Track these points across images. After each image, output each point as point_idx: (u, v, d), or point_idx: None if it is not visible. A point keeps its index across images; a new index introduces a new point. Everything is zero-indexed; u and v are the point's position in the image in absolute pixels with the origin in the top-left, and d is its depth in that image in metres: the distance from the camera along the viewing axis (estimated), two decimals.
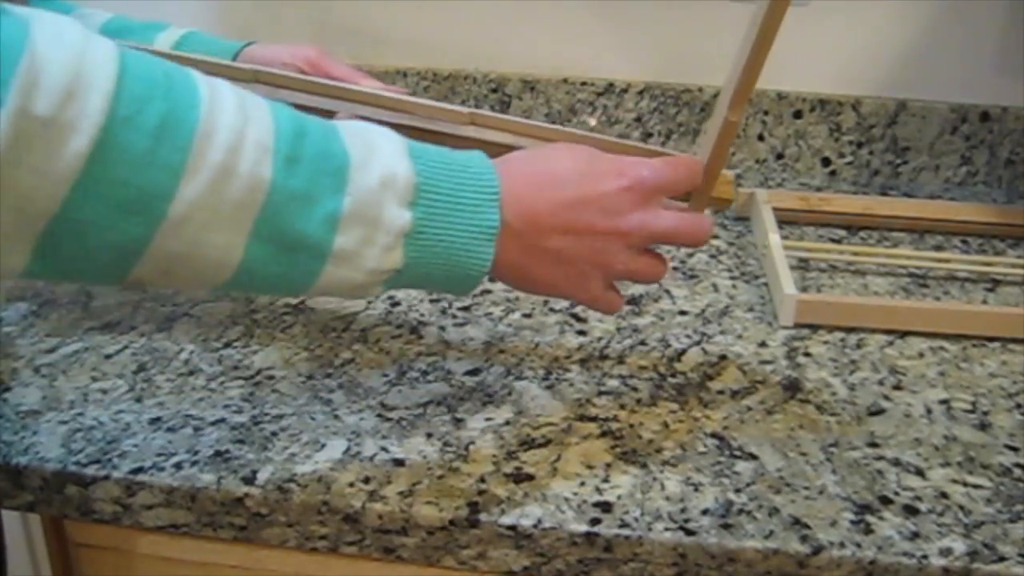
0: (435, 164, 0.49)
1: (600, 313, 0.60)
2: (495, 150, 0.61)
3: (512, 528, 0.56)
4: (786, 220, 0.89)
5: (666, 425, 0.64)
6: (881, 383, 0.69)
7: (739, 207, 0.91)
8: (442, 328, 0.73)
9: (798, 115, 1.00)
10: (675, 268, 0.83)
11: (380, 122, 0.59)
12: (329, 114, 0.61)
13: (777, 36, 0.57)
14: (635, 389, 0.67)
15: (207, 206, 0.42)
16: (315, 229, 0.45)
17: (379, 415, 0.64)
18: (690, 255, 0.85)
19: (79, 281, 0.47)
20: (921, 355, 0.72)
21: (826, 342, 0.73)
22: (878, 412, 0.66)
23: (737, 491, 0.59)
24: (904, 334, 0.75)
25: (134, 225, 0.41)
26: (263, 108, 0.45)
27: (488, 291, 0.78)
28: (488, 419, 0.64)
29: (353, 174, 0.46)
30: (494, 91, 1.02)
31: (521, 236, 0.52)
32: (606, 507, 0.57)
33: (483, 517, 0.56)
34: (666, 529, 0.56)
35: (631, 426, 0.64)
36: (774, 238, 0.82)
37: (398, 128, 0.60)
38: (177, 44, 0.65)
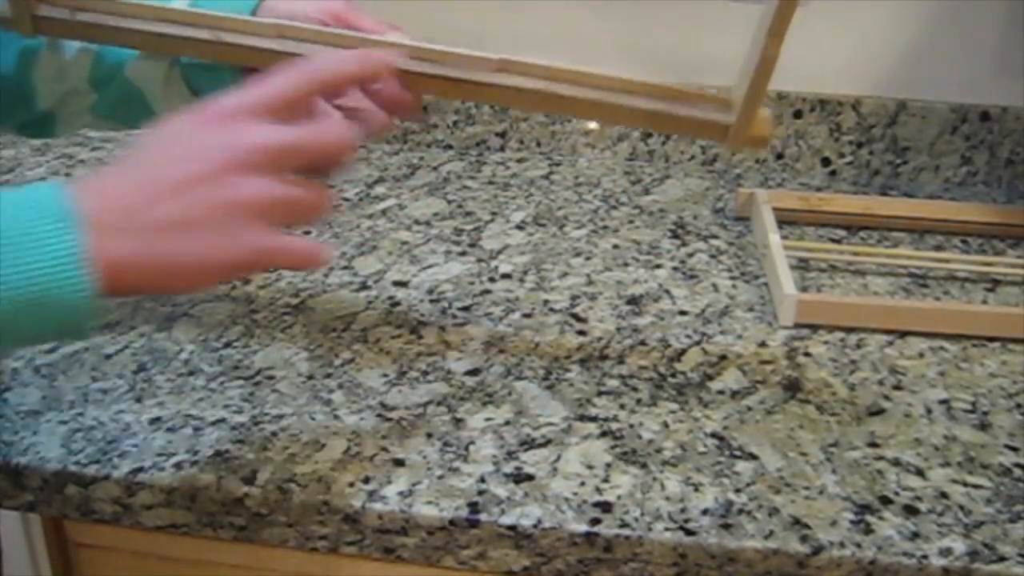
0: None
1: (296, 270, 0.52)
2: (529, 98, 0.60)
3: (512, 528, 0.56)
4: (786, 220, 0.89)
5: (666, 425, 0.64)
6: (881, 383, 0.69)
7: (739, 207, 0.91)
8: (442, 328, 0.73)
9: (798, 115, 1.00)
10: (675, 269, 0.83)
11: (411, 72, 0.58)
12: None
13: None
14: (635, 389, 0.67)
15: None
16: None
17: (379, 415, 0.64)
18: (690, 255, 0.85)
19: None
20: (921, 355, 0.72)
21: (826, 342, 0.73)
22: (878, 412, 0.66)
23: (737, 491, 0.59)
24: (904, 334, 0.75)
25: None
26: None
27: (488, 291, 0.78)
28: (488, 419, 0.64)
29: None
30: None
31: (127, 229, 0.45)
32: (606, 507, 0.57)
33: (483, 517, 0.56)
34: (666, 529, 0.56)
35: (631, 426, 0.64)
36: (774, 238, 0.82)
37: (429, 78, 0.58)
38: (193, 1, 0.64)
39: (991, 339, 0.74)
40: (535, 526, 0.56)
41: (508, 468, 0.60)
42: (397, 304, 0.76)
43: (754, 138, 0.60)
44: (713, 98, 0.61)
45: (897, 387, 0.69)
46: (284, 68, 0.50)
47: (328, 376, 0.68)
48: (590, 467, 0.60)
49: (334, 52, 0.56)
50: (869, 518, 0.57)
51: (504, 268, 0.82)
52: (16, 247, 0.42)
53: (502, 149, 1.05)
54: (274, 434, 0.62)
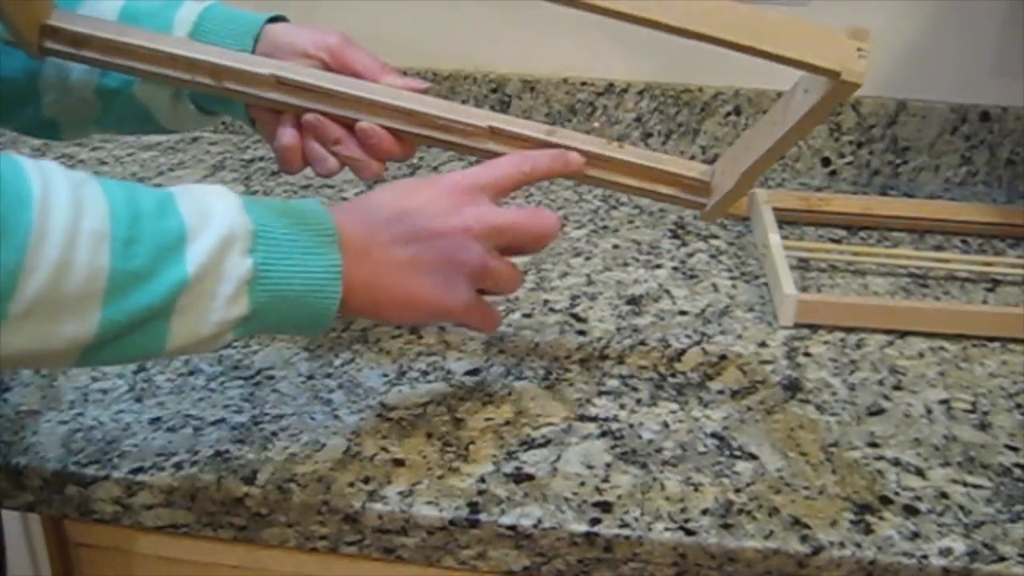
0: (271, 213, 0.51)
1: (478, 331, 0.61)
2: None
3: (512, 528, 0.56)
4: (786, 220, 0.89)
5: (666, 425, 0.64)
6: (881, 383, 0.69)
7: (739, 207, 0.91)
8: (442, 328, 0.73)
9: None
10: (675, 269, 0.83)
11: (396, 130, 0.62)
12: (350, 122, 0.62)
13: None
14: (635, 389, 0.67)
15: (48, 301, 0.43)
16: (159, 300, 0.47)
17: (379, 415, 0.64)
18: (690, 255, 0.85)
19: None
20: (921, 355, 0.72)
21: (826, 342, 0.73)
22: (878, 412, 0.66)
23: (737, 491, 0.59)
24: (904, 334, 0.75)
25: None
26: (97, 193, 0.47)
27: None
28: (488, 419, 0.64)
29: (191, 243, 0.47)
30: (494, 91, 1.02)
31: (365, 258, 0.54)
32: (606, 507, 0.57)
33: (483, 517, 0.56)
34: (666, 529, 0.56)
35: (631, 426, 0.64)
36: (774, 238, 0.82)
37: (415, 136, 0.63)
38: (197, 21, 0.64)
39: (991, 339, 0.74)
40: (535, 526, 0.56)
41: (508, 468, 0.60)
42: None
43: (728, 214, 0.69)
44: (695, 184, 0.64)
45: (897, 387, 0.69)
46: (508, 158, 0.60)
47: (328, 376, 0.68)
48: (590, 467, 0.60)
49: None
50: (869, 518, 0.57)
51: None
52: (290, 251, 0.50)
53: None
54: (274, 434, 0.62)
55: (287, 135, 0.63)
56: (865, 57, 0.57)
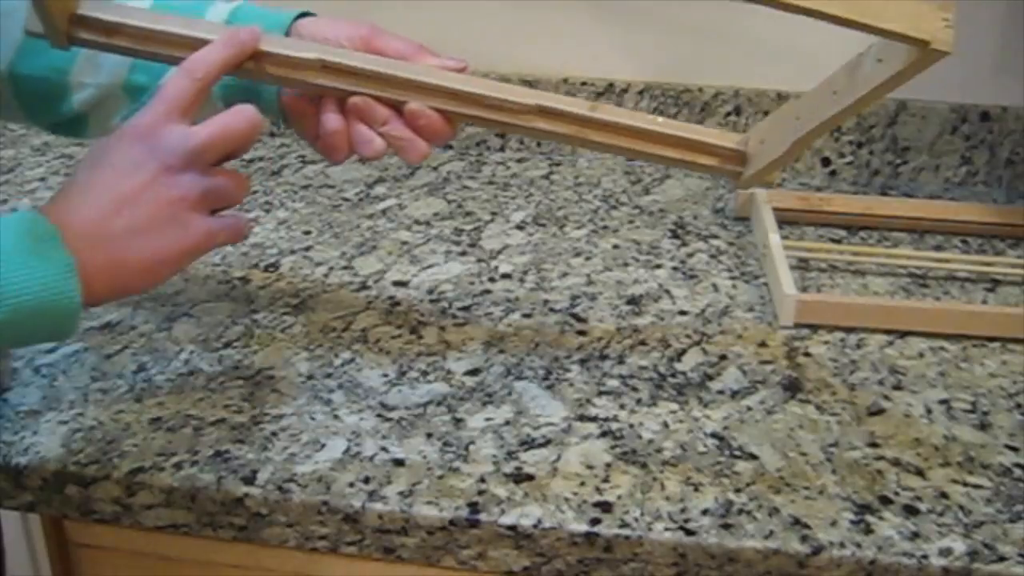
0: None
1: (235, 239, 0.59)
2: (562, 140, 0.64)
3: (512, 528, 0.56)
4: (786, 220, 0.89)
5: (666, 425, 0.64)
6: (881, 383, 0.69)
7: (739, 207, 0.91)
8: (442, 328, 0.73)
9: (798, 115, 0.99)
10: (675, 269, 0.83)
11: (444, 111, 0.62)
12: (397, 104, 0.61)
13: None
14: (635, 389, 0.67)
15: None
16: None
17: (379, 415, 0.64)
18: (690, 255, 0.85)
19: None
20: (921, 355, 0.72)
21: (826, 342, 0.73)
22: (878, 412, 0.66)
23: (737, 491, 0.59)
24: (904, 334, 0.75)
25: None
26: None
27: (488, 291, 0.78)
28: (488, 419, 0.64)
29: None
30: None
31: (92, 243, 0.52)
32: (606, 507, 0.57)
33: (483, 517, 0.56)
34: (666, 529, 0.56)
35: (631, 426, 0.64)
36: (774, 238, 0.82)
37: (469, 116, 0.63)
38: (228, 19, 0.63)
39: (991, 339, 0.74)
40: (535, 526, 0.56)
41: (508, 468, 0.60)
42: (397, 304, 0.76)
43: (765, 181, 0.67)
44: (731, 153, 0.66)
45: (897, 387, 0.69)
46: (174, 74, 0.58)
47: (328, 376, 0.68)
48: (590, 467, 0.60)
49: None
50: (869, 518, 0.57)
51: (504, 268, 0.82)
52: (15, 264, 0.49)
53: (502, 149, 1.05)
54: (274, 434, 0.62)
55: (332, 120, 0.62)
56: (952, 27, 0.59)
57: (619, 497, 0.58)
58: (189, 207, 0.55)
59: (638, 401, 0.66)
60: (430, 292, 0.78)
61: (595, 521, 0.56)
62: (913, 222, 0.90)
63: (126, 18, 0.61)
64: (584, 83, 1.01)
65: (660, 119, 0.65)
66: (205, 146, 0.55)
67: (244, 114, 0.57)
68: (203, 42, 0.60)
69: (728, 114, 1.00)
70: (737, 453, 0.62)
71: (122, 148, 0.55)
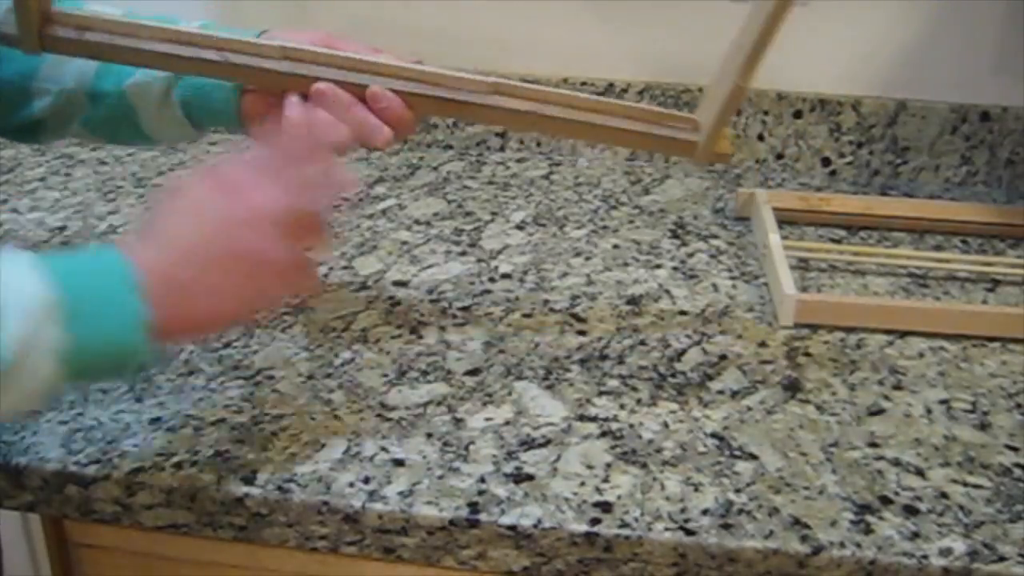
0: (69, 274, 0.50)
1: (300, 292, 0.61)
2: (521, 119, 0.65)
3: (512, 528, 0.56)
4: (786, 220, 0.89)
5: (666, 425, 0.64)
6: (881, 383, 0.69)
7: (739, 207, 0.91)
8: (442, 328, 0.73)
9: (798, 115, 0.99)
10: (675, 269, 0.83)
11: (406, 93, 0.62)
12: (360, 88, 0.62)
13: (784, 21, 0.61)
14: (635, 389, 0.67)
15: None
16: None
17: (379, 415, 0.64)
18: (690, 255, 0.85)
19: None
20: (921, 355, 0.72)
21: (826, 342, 0.73)
22: (878, 412, 0.66)
23: (737, 491, 0.59)
24: (904, 334, 0.75)
25: None
26: None
27: (488, 291, 0.78)
28: (488, 419, 0.64)
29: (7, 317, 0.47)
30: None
31: (172, 290, 0.52)
32: (606, 507, 0.57)
33: (483, 517, 0.56)
34: (666, 529, 0.56)
35: (631, 426, 0.64)
36: (774, 238, 0.82)
37: (429, 99, 0.63)
38: None
39: (991, 339, 0.74)
40: (535, 526, 0.56)
41: (508, 468, 0.60)
42: (397, 304, 0.76)
43: (719, 155, 0.68)
44: (684, 119, 0.67)
45: (897, 387, 0.69)
46: (277, 135, 0.60)
47: (328, 376, 0.68)
48: (590, 467, 0.60)
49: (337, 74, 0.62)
50: (869, 518, 0.57)
51: (504, 268, 0.82)
52: (94, 312, 0.49)
53: (502, 149, 1.05)
54: (274, 434, 0.62)
55: (295, 108, 0.62)
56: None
57: (619, 497, 0.58)
58: (265, 274, 0.55)
59: (638, 401, 0.66)
60: (430, 292, 0.78)
61: (595, 521, 0.56)
62: (913, 222, 0.90)
63: (100, 16, 0.61)
64: (584, 83, 1.01)
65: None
66: (289, 213, 0.55)
67: (338, 182, 0.58)
68: (185, 34, 0.62)
69: None
70: (737, 453, 0.62)
71: (209, 197, 0.55)
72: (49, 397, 0.50)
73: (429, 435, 0.62)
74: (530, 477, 0.59)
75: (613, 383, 0.68)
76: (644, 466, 0.60)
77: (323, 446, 0.61)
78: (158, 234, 0.54)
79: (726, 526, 0.56)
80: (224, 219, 0.54)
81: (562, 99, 0.65)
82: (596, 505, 0.57)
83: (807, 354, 0.72)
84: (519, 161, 1.02)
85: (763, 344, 0.73)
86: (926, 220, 0.90)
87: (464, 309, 0.76)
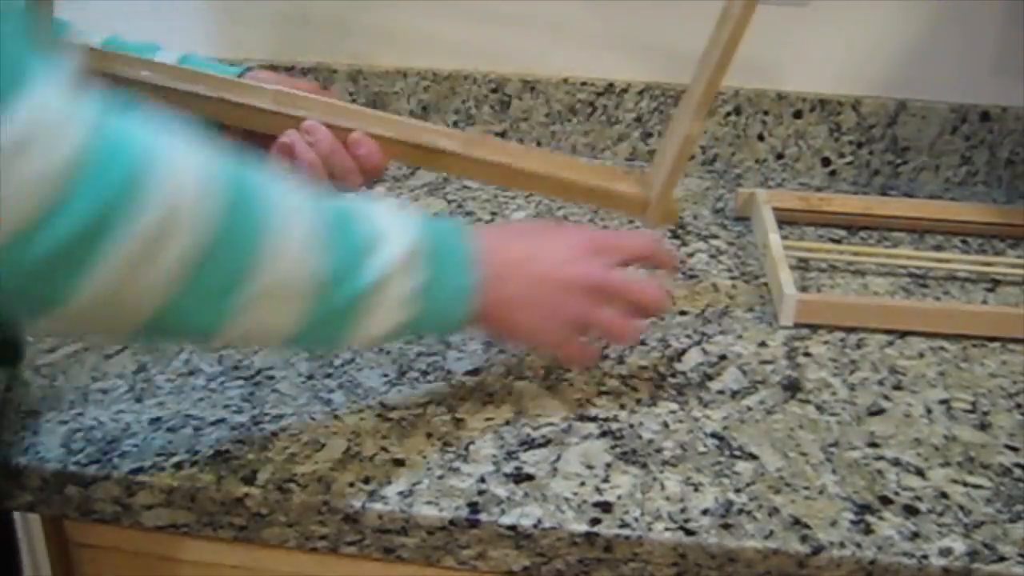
0: (438, 232, 0.57)
1: (574, 366, 0.67)
2: (487, 171, 0.70)
3: (512, 528, 0.56)
4: (786, 220, 0.89)
5: (666, 425, 0.64)
6: (881, 383, 0.69)
7: (739, 207, 0.91)
8: None
9: (798, 115, 1.00)
10: (675, 268, 0.83)
11: (384, 138, 0.67)
12: (345, 131, 0.66)
13: (744, 39, 0.63)
14: (635, 389, 0.67)
15: (277, 285, 0.49)
16: (348, 302, 0.52)
17: (379, 415, 0.64)
18: (690, 255, 0.85)
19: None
20: (921, 355, 0.72)
21: (826, 342, 0.73)
22: (878, 412, 0.66)
23: (737, 491, 0.59)
24: (904, 334, 0.75)
25: (218, 308, 0.48)
26: (306, 203, 0.52)
27: None
28: (488, 419, 0.64)
29: (380, 248, 0.53)
30: (494, 91, 1.02)
31: (495, 280, 0.58)
32: (606, 507, 0.57)
33: (483, 517, 0.56)
34: (666, 529, 0.56)
35: (631, 426, 0.64)
36: (774, 238, 0.82)
37: (399, 146, 0.68)
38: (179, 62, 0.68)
39: (991, 339, 0.74)
40: (535, 526, 0.56)
41: (508, 468, 0.60)
42: None
43: (668, 212, 0.72)
44: (636, 176, 0.73)
45: (897, 387, 0.69)
46: (631, 233, 0.68)
47: (328, 376, 0.68)
48: (590, 467, 0.60)
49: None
50: (869, 518, 0.57)
51: None
52: (442, 268, 0.56)
53: None
54: (274, 434, 0.62)
55: (287, 135, 0.67)
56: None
57: (619, 497, 0.58)
58: (568, 320, 0.61)
59: (638, 401, 0.66)
60: None
61: (595, 521, 0.56)
62: (913, 222, 0.90)
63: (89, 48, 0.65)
64: (584, 83, 1.01)
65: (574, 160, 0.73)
66: (616, 289, 0.62)
67: (653, 292, 0.63)
68: (167, 67, 0.66)
69: (728, 114, 1.00)
70: (737, 453, 0.62)
71: (574, 241, 0.62)
72: (370, 341, 0.55)
73: (429, 435, 0.62)
74: (530, 477, 0.59)
75: (613, 383, 0.68)
76: (644, 466, 0.60)
77: (323, 446, 0.61)
78: (512, 231, 0.63)
79: (726, 526, 0.56)
80: (558, 259, 0.61)
81: (521, 154, 0.71)
82: (596, 505, 0.57)
83: (807, 354, 0.72)
84: None
85: (763, 344, 0.73)
86: (926, 220, 0.90)
87: None
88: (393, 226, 0.54)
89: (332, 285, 0.51)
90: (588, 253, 0.62)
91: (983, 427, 0.65)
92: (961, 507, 0.58)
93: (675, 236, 0.88)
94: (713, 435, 0.63)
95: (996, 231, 0.90)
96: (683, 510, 0.57)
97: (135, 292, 0.45)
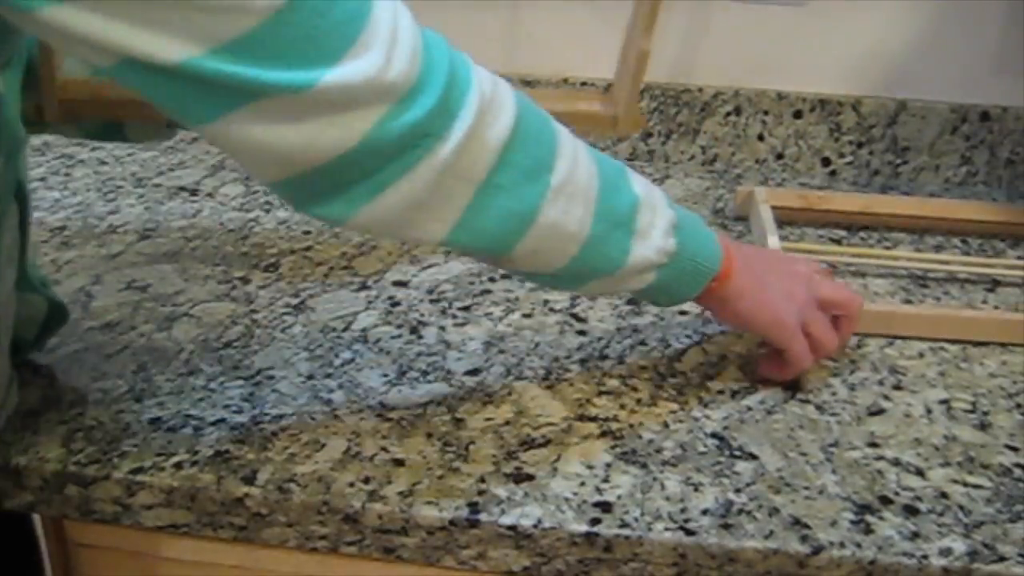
0: (682, 210, 0.62)
1: (792, 361, 0.66)
2: None
3: (512, 528, 0.56)
4: (785, 219, 0.89)
5: (666, 425, 0.64)
6: (881, 383, 0.69)
7: (737, 207, 0.91)
8: (442, 328, 0.73)
9: (798, 115, 0.99)
10: None
11: None
12: None
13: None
14: (635, 389, 0.67)
15: (571, 181, 0.55)
16: (626, 210, 0.57)
17: (379, 415, 0.64)
18: None
19: (475, 254, 0.59)
20: (921, 355, 0.72)
21: None
22: (878, 412, 0.66)
23: (737, 491, 0.59)
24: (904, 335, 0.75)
25: (531, 192, 0.53)
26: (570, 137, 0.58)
27: (488, 291, 0.78)
28: (488, 419, 0.64)
29: (634, 173, 0.60)
30: None
31: (746, 269, 0.64)
32: (606, 507, 0.57)
33: (483, 517, 0.56)
34: (666, 529, 0.56)
35: (631, 426, 0.64)
36: (772, 240, 0.81)
37: None
38: None
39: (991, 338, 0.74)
40: (535, 526, 0.56)
41: (508, 468, 0.60)
42: (397, 304, 0.76)
43: (635, 122, 0.77)
44: (599, 94, 0.80)
45: (897, 387, 0.69)
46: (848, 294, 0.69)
47: (328, 376, 0.68)
48: (590, 467, 0.60)
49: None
50: (869, 518, 0.57)
51: None
52: (700, 241, 0.62)
53: None
54: (274, 434, 0.62)
55: None
56: None
57: (619, 497, 0.58)
58: (799, 304, 0.65)
59: (638, 401, 0.66)
60: (430, 292, 0.78)
61: (595, 521, 0.56)
62: (912, 220, 0.90)
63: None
64: (584, 83, 1.01)
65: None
66: (830, 299, 0.67)
67: (857, 305, 0.68)
68: None
69: (728, 114, 1.00)
70: (737, 453, 0.62)
71: (793, 268, 0.68)
72: (655, 273, 0.60)
73: (429, 435, 0.62)
74: (530, 477, 0.59)
75: (613, 383, 0.68)
76: (644, 466, 0.60)
77: (323, 446, 0.61)
78: (748, 250, 0.67)
79: (726, 526, 0.56)
80: (786, 258, 0.71)
81: None
82: (596, 505, 0.57)
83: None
84: None
85: (763, 344, 0.73)
86: (926, 219, 0.90)
87: (464, 309, 0.76)
88: (663, 205, 0.60)
89: (609, 192, 0.57)
90: (805, 265, 0.69)
91: (983, 427, 0.65)
92: (961, 507, 0.58)
93: None
94: (713, 435, 0.63)
95: (997, 230, 0.90)
96: (683, 510, 0.57)
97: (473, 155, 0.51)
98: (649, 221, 0.58)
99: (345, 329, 0.73)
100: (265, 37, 0.43)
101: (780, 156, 1.01)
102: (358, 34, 0.46)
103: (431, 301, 0.77)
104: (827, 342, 0.66)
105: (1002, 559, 0.54)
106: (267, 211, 0.90)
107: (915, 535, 0.56)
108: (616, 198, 0.57)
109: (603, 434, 0.63)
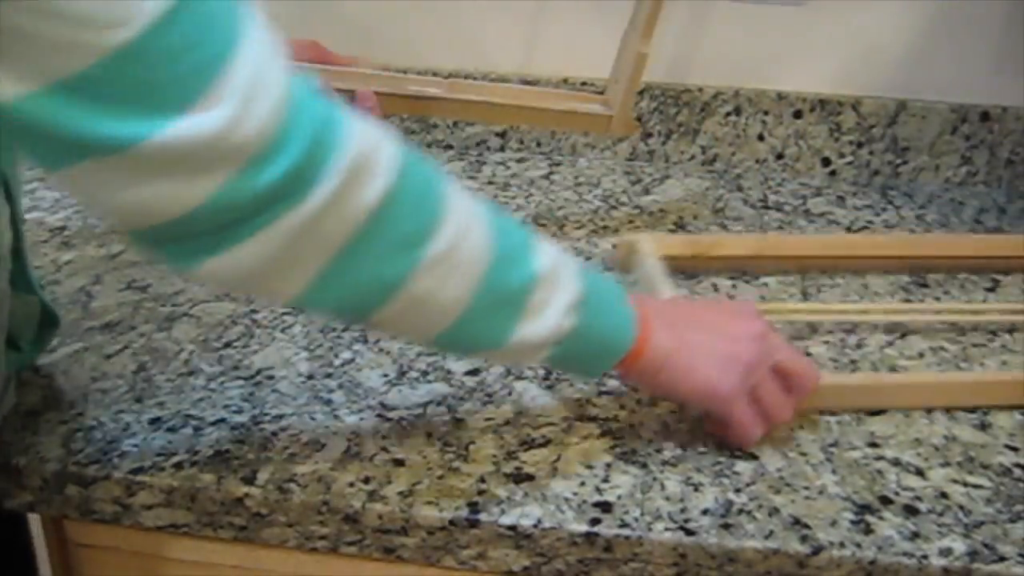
0: (593, 279, 0.57)
1: (734, 435, 0.61)
2: (473, 109, 0.80)
3: (512, 528, 0.56)
4: (677, 269, 0.78)
5: (666, 425, 0.64)
6: None
7: (621, 259, 0.81)
8: None
9: (798, 115, 1.00)
10: None
11: (384, 94, 0.75)
12: (351, 94, 0.72)
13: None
14: (635, 389, 0.67)
15: (453, 253, 0.50)
16: (516, 287, 0.53)
17: (379, 415, 0.64)
18: None
19: (333, 313, 0.53)
20: (921, 355, 0.72)
21: (826, 342, 0.73)
22: (878, 412, 0.66)
23: (737, 491, 0.59)
24: (904, 334, 0.75)
25: (399, 261, 0.49)
26: (473, 202, 0.53)
27: None
28: (488, 419, 0.64)
29: (543, 245, 0.55)
30: None
31: (668, 329, 0.59)
32: (606, 507, 0.57)
33: (483, 517, 0.56)
34: (666, 529, 0.56)
35: (631, 426, 0.64)
36: (666, 293, 0.72)
37: (395, 100, 0.76)
38: None
39: (991, 338, 0.74)
40: (535, 526, 0.56)
41: (508, 468, 0.60)
42: None
43: (628, 125, 0.80)
44: (596, 97, 0.83)
45: None
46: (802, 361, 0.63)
47: (328, 376, 0.68)
48: (590, 467, 0.60)
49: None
50: (869, 518, 0.57)
51: None
52: (607, 318, 0.57)
53: (502, 149, 1.05)
54: (274, 434, 0.62)
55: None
56: None
57: (619, 497, 0.58)
58: (744, 366, 0.59)
59: (638, 401, 0.66)
60: None
61: (595, 521, 0.56)
62: (807, 261, 0.82)
63: None
64: (584, 83, 1.01)
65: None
66: (784, 361, 0.61)
67: (814, 373, 0.62)
68: None
69: (728, 114, 1.00)
70: (737, 453, 0.62)
71: (731, 316, 0.62)
72: (550, 350, 0.56)
73: (429, 435, 0.62)
74: (530, 477, 0.59)
75: (613, 383, 0.68)
76: (644, 466, 0.60)
77: (323, 446, 0.61)
78: (657, 306, 0.62)
79: (726, 526, 0.56)
80: (729, 316, 0.62)
81: (498, 91, 0.81)
82: (596, 505, 0.57)
83: (807, 354, 0.72)
84: (519, 161, 1.02)
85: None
86: (822, 258, 0.82)
87: None
88: (566, 278, 0.55)
89: (500, 267, 0.52)
90: (758, 319, 0.62)
91: (983, 427, 0.65)
92: (961, 507, 0.58)
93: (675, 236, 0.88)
94: (713, 435, 0.63)
95: (906, 265, 0.82)
96: (683, 510, 0.57)
97: (330, 225, 0.47)
98: (543, 299, 0.54)
99: (345, 329, 0.73)
100: (101, 78, 0.40)
101: (780, 156, 1.01)
102: (207, 84, 0.41)
103: None
104: (777, 411, 0.60)
105: (1002, 559, 0.54)
106: None
107: (915, 535, 0.56)
108: (508, 274, 0.53)
109: (603, 434, 0.63)
